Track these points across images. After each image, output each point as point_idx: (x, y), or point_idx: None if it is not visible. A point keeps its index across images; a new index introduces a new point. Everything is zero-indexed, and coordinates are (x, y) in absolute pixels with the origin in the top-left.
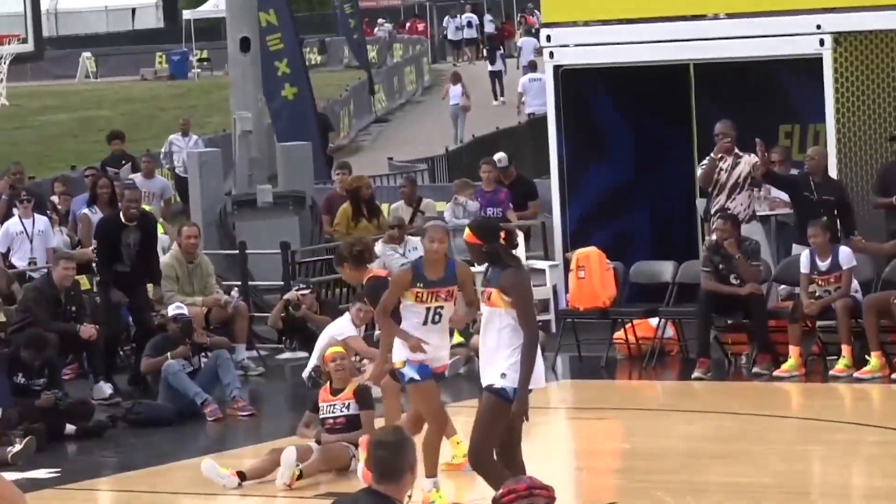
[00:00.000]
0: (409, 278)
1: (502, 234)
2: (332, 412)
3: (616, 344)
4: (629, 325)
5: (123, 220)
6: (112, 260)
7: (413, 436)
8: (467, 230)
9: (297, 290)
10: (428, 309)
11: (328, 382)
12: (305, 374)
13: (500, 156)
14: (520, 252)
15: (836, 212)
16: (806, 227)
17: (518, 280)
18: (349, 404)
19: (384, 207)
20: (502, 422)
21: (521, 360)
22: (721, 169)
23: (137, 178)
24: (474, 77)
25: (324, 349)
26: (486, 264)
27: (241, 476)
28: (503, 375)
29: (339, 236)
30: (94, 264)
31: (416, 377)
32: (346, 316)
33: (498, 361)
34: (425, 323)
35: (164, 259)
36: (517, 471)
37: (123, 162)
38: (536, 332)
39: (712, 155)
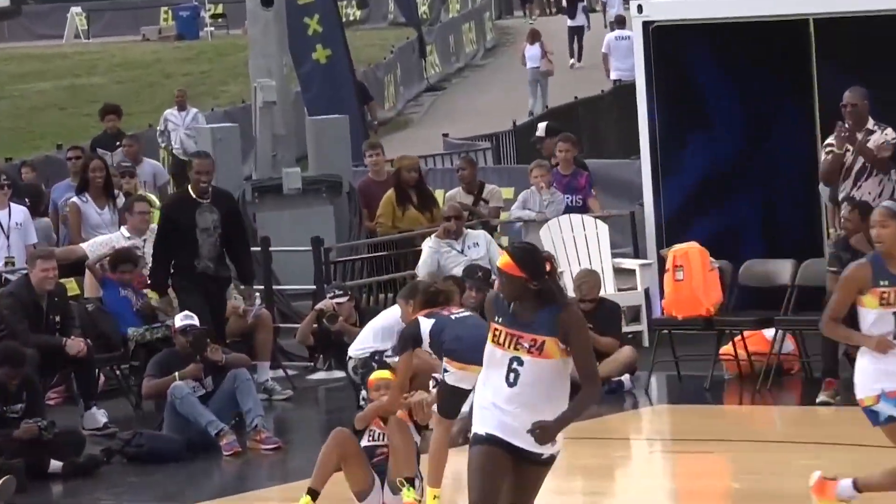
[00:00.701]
0: (870, 274)
1: (548, 265)
2: (379, 440)
3: (723, 361)
4: (738, 337)
5: (194, 195)
6: (186, 253)
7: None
8: (505, 257)
9: (331, 298)
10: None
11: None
12: (359, 354)
13: (541, 126)
14: (604, 250)
15: None
16: None
17: (579, 322)
18: None
19: (438, 195)
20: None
21: (575, 407)
22: (847, 149)
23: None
24: (547, 35)
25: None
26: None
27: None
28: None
29: (383, 230)
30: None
31: None
32: None
33: None
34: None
35: None
36: None
37: (118, 143)
38: (599, 384)
39: (836, 149)
